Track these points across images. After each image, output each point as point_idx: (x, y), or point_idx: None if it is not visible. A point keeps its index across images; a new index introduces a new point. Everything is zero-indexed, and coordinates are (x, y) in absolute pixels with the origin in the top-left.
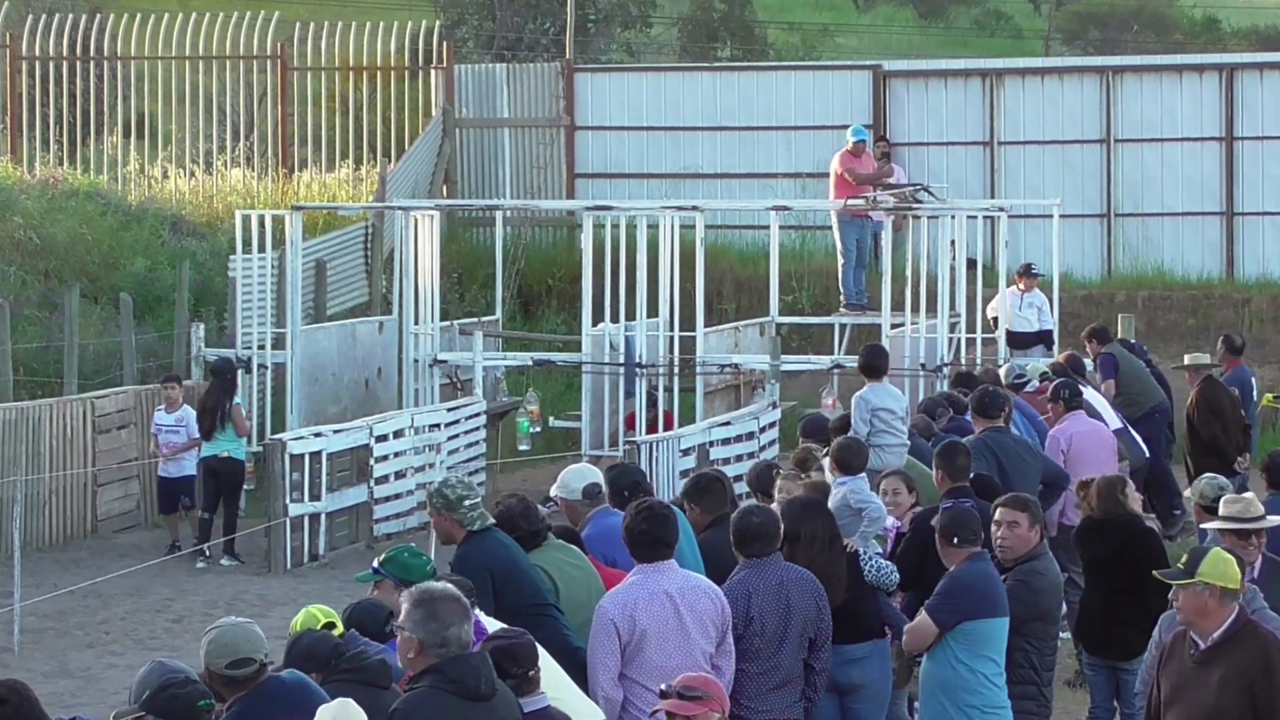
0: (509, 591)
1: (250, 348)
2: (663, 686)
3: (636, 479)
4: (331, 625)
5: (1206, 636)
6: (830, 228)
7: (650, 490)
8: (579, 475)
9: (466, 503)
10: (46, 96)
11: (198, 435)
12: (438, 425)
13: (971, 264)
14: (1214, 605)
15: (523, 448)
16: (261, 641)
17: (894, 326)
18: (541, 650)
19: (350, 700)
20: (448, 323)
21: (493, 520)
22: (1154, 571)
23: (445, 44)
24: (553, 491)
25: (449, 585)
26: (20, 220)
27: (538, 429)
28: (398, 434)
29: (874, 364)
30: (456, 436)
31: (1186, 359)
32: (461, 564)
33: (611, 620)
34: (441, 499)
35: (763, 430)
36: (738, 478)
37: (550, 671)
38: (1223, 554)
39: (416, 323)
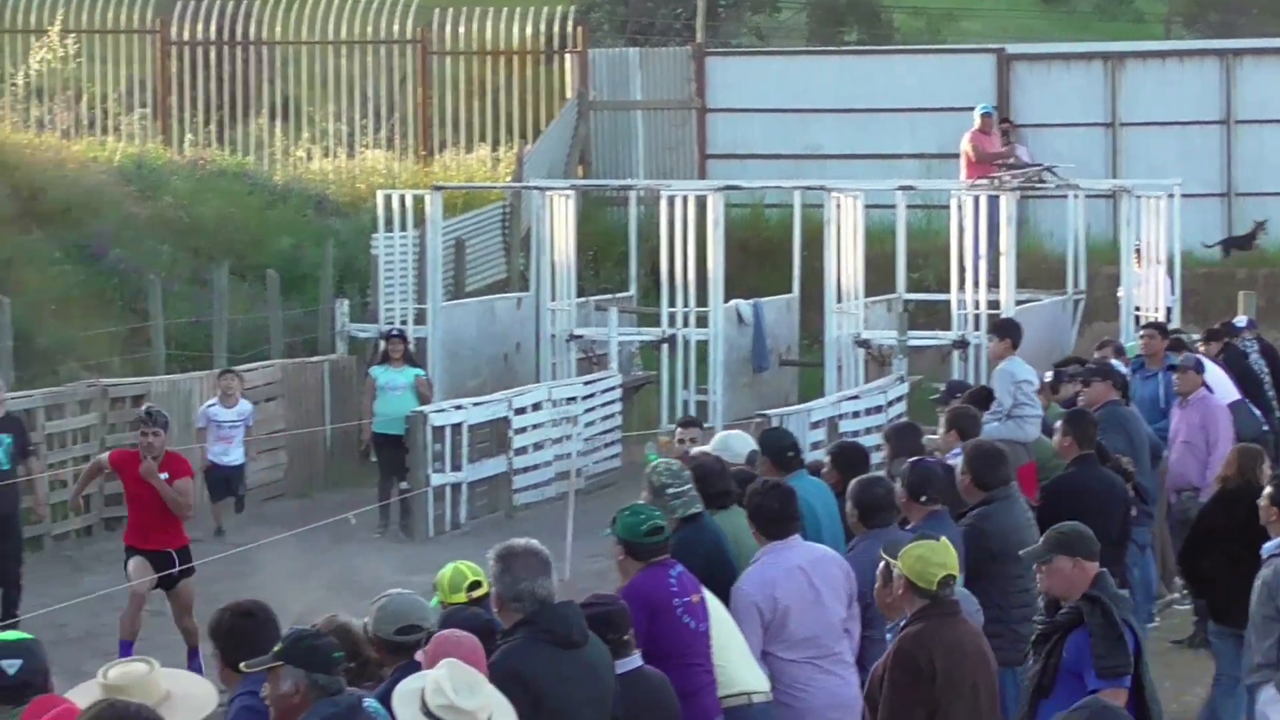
0: (721, 578)
1: (392, 323)
2: None
3: (794, 441)
4: (477, 584)
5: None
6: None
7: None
8: (742, 441)
9: (670, 490)
10: (195, 80)
11: (250, 426)
12: (574, 398)
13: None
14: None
15: None
16: (429, 611)
17: (1019, 303)
18: (726, 618)
19: (456, 660)
20: (583, 299)
21: (699, 507)
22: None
23: (580, 29)
24: (710, 452)
25: (532, 541)
26: (171, 199)
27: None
28: (536, 407)
29: (1013, 335)
30: (593, 409)
31: None
32: (680, 552)
33: (754, 602)
34: (647, 484)
35: (890, 404)
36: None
37: (729, 637)
38: None
39: (553, 299)
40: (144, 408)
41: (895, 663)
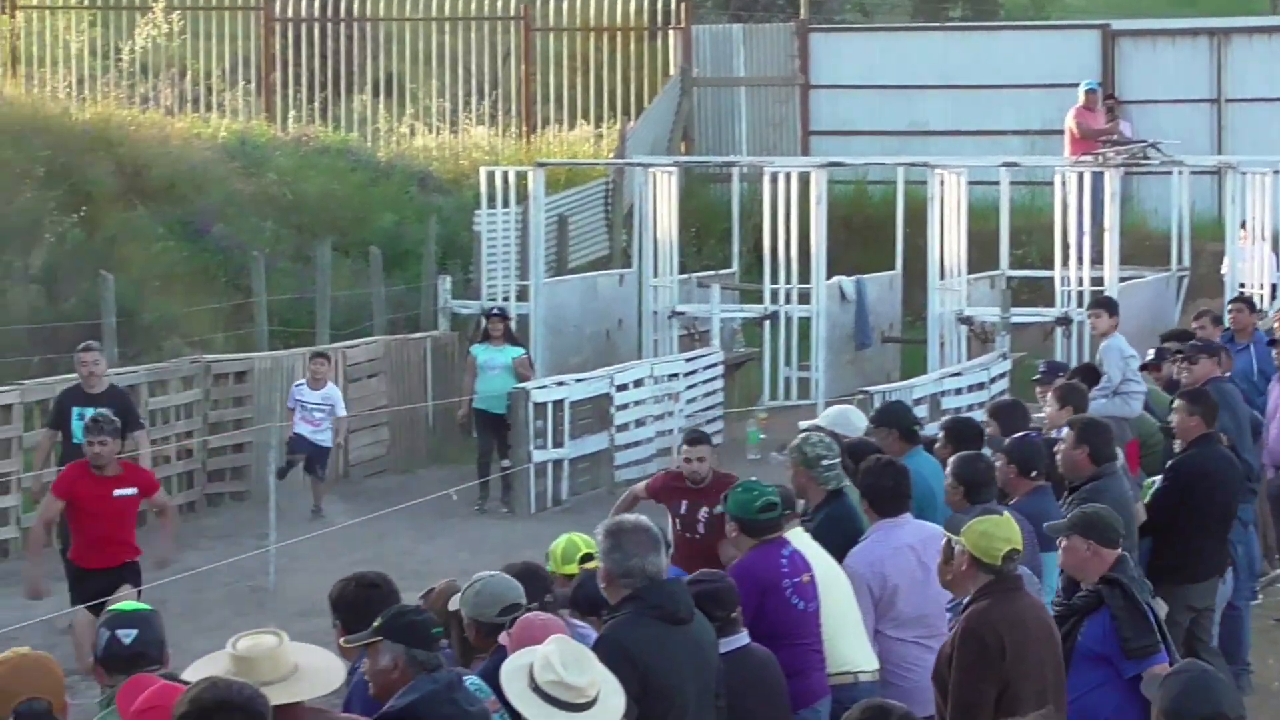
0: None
1: (495, 300)
2: None
3: (915, 415)
4: (590, 556)
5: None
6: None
7: None
8: (860, 415)
9: (824, 462)
10: (299, 57)
11: (343, 414)
12: (676, 375)
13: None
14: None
15: (751, 457)
16: (521, 589)
17: (1122, 280)
18: (846, 594)
19: (560, 634)
20: (685, 276)
21: (848, 481)
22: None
23: (683, 5)
24: (824, 426)
25: (642, 517)
26: (275, 176)
27: (765, 436)
28: (638, 383)
29: (1117, 311)
30: (694, 386)
31: None
32: (827, 529)
33: (864, 579)
34: (800, 455)
35: (993, 381)
36: None
37: (846, 614)
38: None
39: (655, 275)
40: (90, 415)
41: (962, 641)
